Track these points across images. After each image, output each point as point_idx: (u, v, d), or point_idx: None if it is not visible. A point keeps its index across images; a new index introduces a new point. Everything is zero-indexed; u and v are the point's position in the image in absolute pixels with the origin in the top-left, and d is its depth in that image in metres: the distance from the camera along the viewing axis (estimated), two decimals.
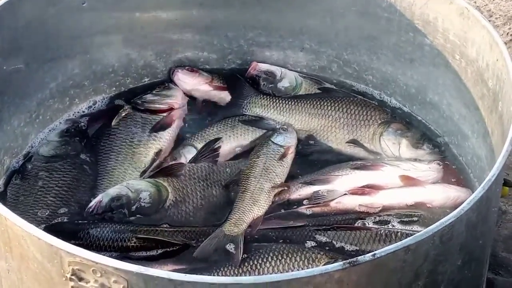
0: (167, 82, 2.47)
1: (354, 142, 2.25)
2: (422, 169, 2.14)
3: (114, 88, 2.47)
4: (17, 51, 2.18)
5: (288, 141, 2.22)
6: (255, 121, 2.33)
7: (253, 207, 2.05)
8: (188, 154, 2.22)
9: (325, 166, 2.19)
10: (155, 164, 2.22)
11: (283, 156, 2.18)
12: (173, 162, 2.19)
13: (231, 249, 1.93)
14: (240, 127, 2.30)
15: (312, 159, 2.25)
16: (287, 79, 2.45)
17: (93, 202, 2.03)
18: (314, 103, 2.34)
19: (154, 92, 2.40)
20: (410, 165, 2.14)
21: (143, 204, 2.04)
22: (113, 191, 2.06)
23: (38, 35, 2.21)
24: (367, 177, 2.11)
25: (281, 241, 1.98)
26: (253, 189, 2.09)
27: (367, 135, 2.25)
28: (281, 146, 2.21)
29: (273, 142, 2.22)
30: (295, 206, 2.10)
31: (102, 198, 2.03)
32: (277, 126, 2.30)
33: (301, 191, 2.12)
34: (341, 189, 2.10)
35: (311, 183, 2.13)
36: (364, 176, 2.12)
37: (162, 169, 2.16)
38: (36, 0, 2.17)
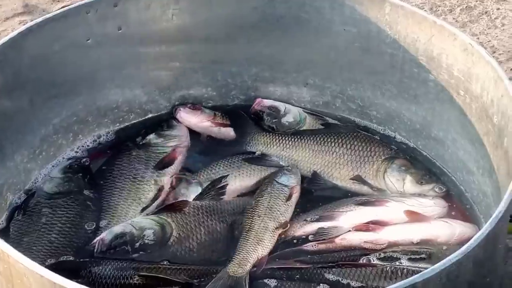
0: (171, 118, 2.47)
1: (358, 178, 2.24)
2: (427, 205, 2.13)
3: (118, 124, 2.47)
4: (21, 87, 2.18)
5: (292, 181, 2.22)
6: (259, 159, 2.33)
7: (257, 247, 2.03)
8: (193, 191, 2.22)
9: (329, 202, 2.18)
10: (158, 200, 2.21)
11: (288, 196, 2.17)
12: (178, 200, 2.18)
13: None
14: (245, 167, 2.29)
15: (317, 196, 2.24)
16: (291, 114, 2.45)
17: (97, 239, 2.02)
18: (318, 139, 2.33)
19: (158, 132, 2.39)
20: (415, 201, 2.13)
21: (146, 241, 2.03)
22: (117, 228, 2.04)
23: (42, 71, 2.22)
24: (372, 213, 2.10)
25: (284, 278, 1.96)
26: (257, 229, 2.07)
27: (371, 172, 2.25)
28: (285, 185, 2.21)
29: (278, 182, 2.21)
30: (299, 243, 2.08)
31: (106, 235, 2.02)
32: (282, 164, 2.30)
33: (306, 228, 2.10)
34: (346, 225, 2.08)
35: (316, 219, 2.11)
36: (369, 212, 2.10)
37: (167, 206, 2.15)
38: (40, 37, 2.17)
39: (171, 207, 2.13)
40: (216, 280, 1.92)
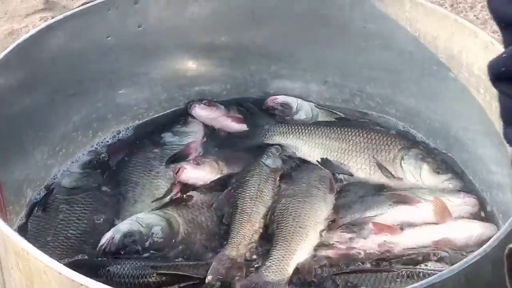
0: (187, 114, 2.47)
1: (378, 164, 2.22)
2: (457, 203, 2.11)
3: (136, 121, 2.48)
4: (41, 84, 2.19)
5: (278, 164, 2.25)
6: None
7: (251, 231, 2.04)
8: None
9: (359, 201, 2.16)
10: (171, 194, 2.21)
11: (274, 179, 2.18)
12: (184, 195, 2.18)
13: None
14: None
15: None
16: (303, 111, 2.46)
17: (104, 239, 2.02)
18: (334, 128, 2.34)
19: (173, 130, 2.40)
20: (445, 199, 2.11)
21: (156, 239, 2.03)
22: (123, 227, 2.03)
23: (63, 69, 2.22)
24: (403, 214, 2.08)
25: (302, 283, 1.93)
26: (249, 212, 2.08)
27: (387, 159, 2.24)
28: (272, 168, 2.23)
29: (265, 165, 2.23)
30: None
31: (113, 234, 2.01)
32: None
33: (342, 237, 2.05)
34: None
35: (351, 225, 2.07)
36: (400, 213, 2.08)
37: (172, 200, 2.15)
38: (60, 34, 2.18)
39: (176, 201, 2.13)
40: (219, 262, 1.91)
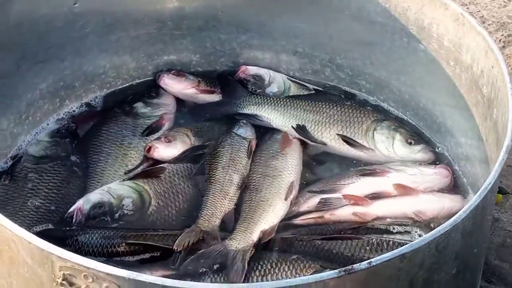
0: (157, 85, 2.44)
1: (346, 138, 2.23)
2: (429, 173, 2.12)
3: (105, 90, 2.45)
4: (7, 51, 2.15)
5: (249, 134, 2.25)
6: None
7: (224, 201, 2.03)
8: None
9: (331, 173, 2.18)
10: (143, 165, 2.19)
11: (247, 148, 2.18)
12: (155, 166, 2.16)
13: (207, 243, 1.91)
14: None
15: (318, 167, 2.23)
16: (276, 84, 2.44)
17: (73, 208, 1.99)
18: (309, 100, 2.34)
19: (145, 100, 2.37)
20: (416, 170, 2.12)
21: (126, 211, 2.01)
22: (94, 197, 2.01)
23: (29, 35, 2.19)
24: (374, 184, 2.09)
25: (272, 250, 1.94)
26: (222, 181, 2.07)
27: (360, 131, 2.24)
28: (244, 138, 2.22)
29: (237, 134, 2.22)
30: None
31: (83, 204, 1.99)
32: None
33: (309, 203, 2.08)
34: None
35: (318, 192, 2.09)
36: (371, 183, 2.09)
37: (143, 172, 2.13)
38: (27, 0, 2.14)
39: (148, 173, 2.11)
40: (187, 234, 1.90)
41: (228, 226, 1.98)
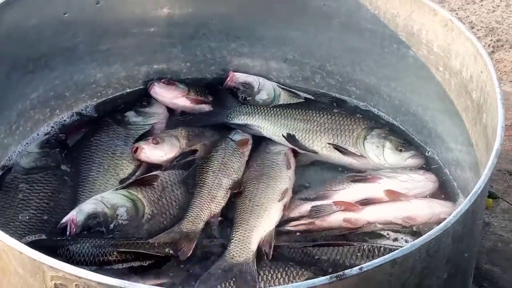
0: (148, 94, 2.44)
1: (336, 147, 2.23)
2: (419, 180, 2.13)
3: (95, 99, 2.45)
4: None
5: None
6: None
7: (210, 204, 2.03)
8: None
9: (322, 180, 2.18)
10: (136, 175, 2.19)
11: (241, 154, 2.18)
12: (148, 174, 2.15)
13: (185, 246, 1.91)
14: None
15: (310, 173, 2.24)
16: (265, 91, 2.44)
17: (65, 219, 1.97)
18: (299, 109, 2.35)
19: (137, 110, 2.37)
20: (407, 176, 2.13)
21: (120, 221, 2.00)
22: (87, 207, 1.99)
23: (19, 46, 2.19)
24: (365, 190, 2.10)
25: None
26: (211, 185, 2.08)
27: (351, 139, 2.25)
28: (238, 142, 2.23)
29: (231, 139, 2.23)
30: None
31: (76, 215, 1.97)
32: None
33: (301, 209, 2.09)
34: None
35: (310, 199, 2.10)
36: (362, 189, 2.10)
37: (136, 180, 2.12)
38: (17, 10, 2.14)
39: (141, 181, 2.10)
40: (168, 234, 1.92)
41: (212, 229, 1.99)
